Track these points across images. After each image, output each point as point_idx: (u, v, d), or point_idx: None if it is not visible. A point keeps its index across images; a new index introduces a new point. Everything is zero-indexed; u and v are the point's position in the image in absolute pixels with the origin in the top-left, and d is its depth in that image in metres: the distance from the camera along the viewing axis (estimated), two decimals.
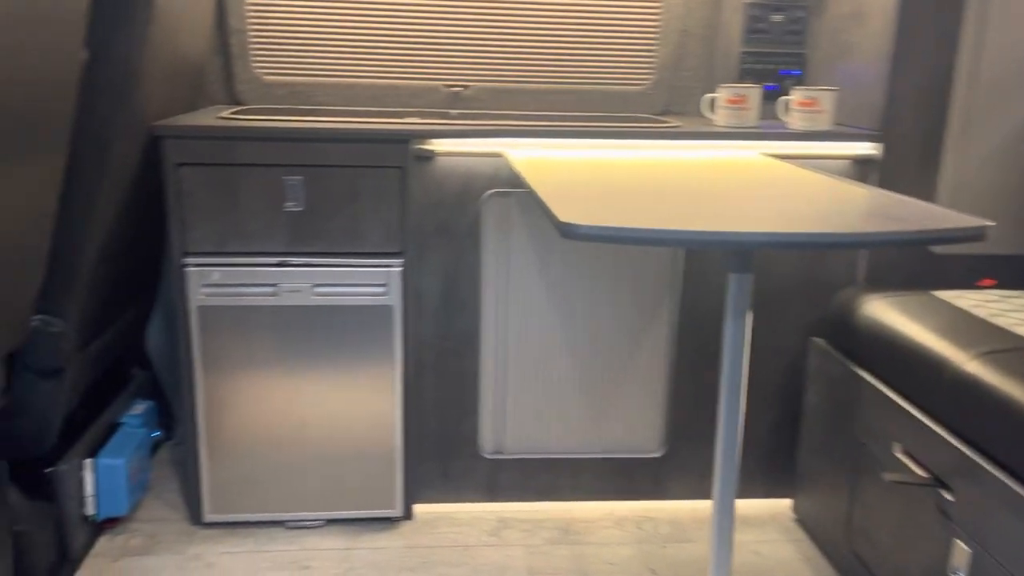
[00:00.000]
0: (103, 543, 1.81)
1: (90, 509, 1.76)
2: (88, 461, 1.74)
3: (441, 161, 1.82)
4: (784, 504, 2.06)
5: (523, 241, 1.87)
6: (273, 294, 1.75)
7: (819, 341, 1.84)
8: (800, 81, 2.20)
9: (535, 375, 1.94)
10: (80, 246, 1.55)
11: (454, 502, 2.01)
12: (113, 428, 1.90)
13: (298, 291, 1.76)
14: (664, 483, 2.04)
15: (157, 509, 1.94)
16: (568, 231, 1.01)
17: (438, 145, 1.81)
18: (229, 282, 1.74)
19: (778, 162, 1.70)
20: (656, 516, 2.00)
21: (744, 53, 2.19)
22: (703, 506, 2.04)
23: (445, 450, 1.97)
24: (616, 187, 1.32)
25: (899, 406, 1.51)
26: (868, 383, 1.62)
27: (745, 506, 2.05)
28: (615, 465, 2.02)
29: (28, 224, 1.33)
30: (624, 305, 1.92)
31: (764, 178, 1.47)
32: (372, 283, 1.77)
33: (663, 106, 2.24)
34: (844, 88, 2.00)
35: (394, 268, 1.77)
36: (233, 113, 1.87)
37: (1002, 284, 1.90)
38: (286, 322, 1.77)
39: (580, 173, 1.45)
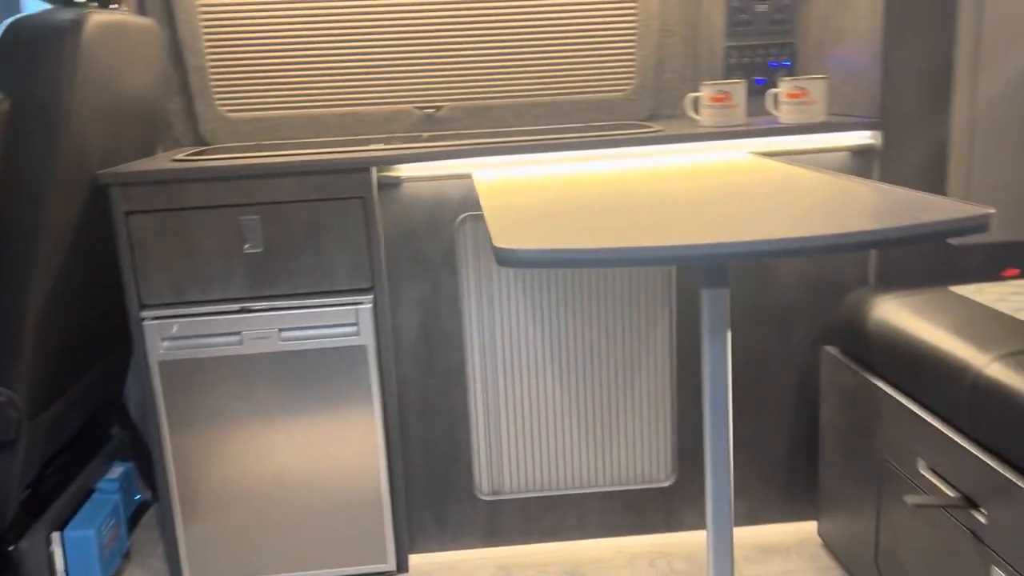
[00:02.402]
0: None
1: None
2: (56, 534, 1.64)
3: (408, 187, 1.71)
4: (810, 527, 1.90)
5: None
6: (237, 343, 1.65)
7: (830, 350, 1.69)
8: (791, 72, 2.06)
9: (529, 408, 1.81)
10: (21, 308, 1.45)
11: (452, 550, 1.87)
12: (87, 495, 1.80)
13: (264, 337, 1.65)
14: (677, 514, 1.89)
15: None
16: (504, 257, 0.88)
17: (404, 171, 1.70)
18: (189, 333, 1.63)
19: (767, 161, 1.56)
20: (671, 551, 1.85)
21: (729, 48, 2.06)
22: None
23: (438, 495, 1.84)
24: (583, 204, 1.19)
25: (919, 418, 1.36)
26: (885, 393, 1.47)
27: (768, 533, 1.89)
28: (623, 498, 1.88)
29: None
30: (618, 327, 1.79)
31: (747, 181, 1.34)
32: (342, 322, 1.65)
33: (649, 111, 2.12)
34: (838, 76, 1.86)
35: (364, 305, 1.65)
36: (191, 154, 1.78)
37: None
38: (253, 372, 1.66)
39: (548, 191, 1.33)
